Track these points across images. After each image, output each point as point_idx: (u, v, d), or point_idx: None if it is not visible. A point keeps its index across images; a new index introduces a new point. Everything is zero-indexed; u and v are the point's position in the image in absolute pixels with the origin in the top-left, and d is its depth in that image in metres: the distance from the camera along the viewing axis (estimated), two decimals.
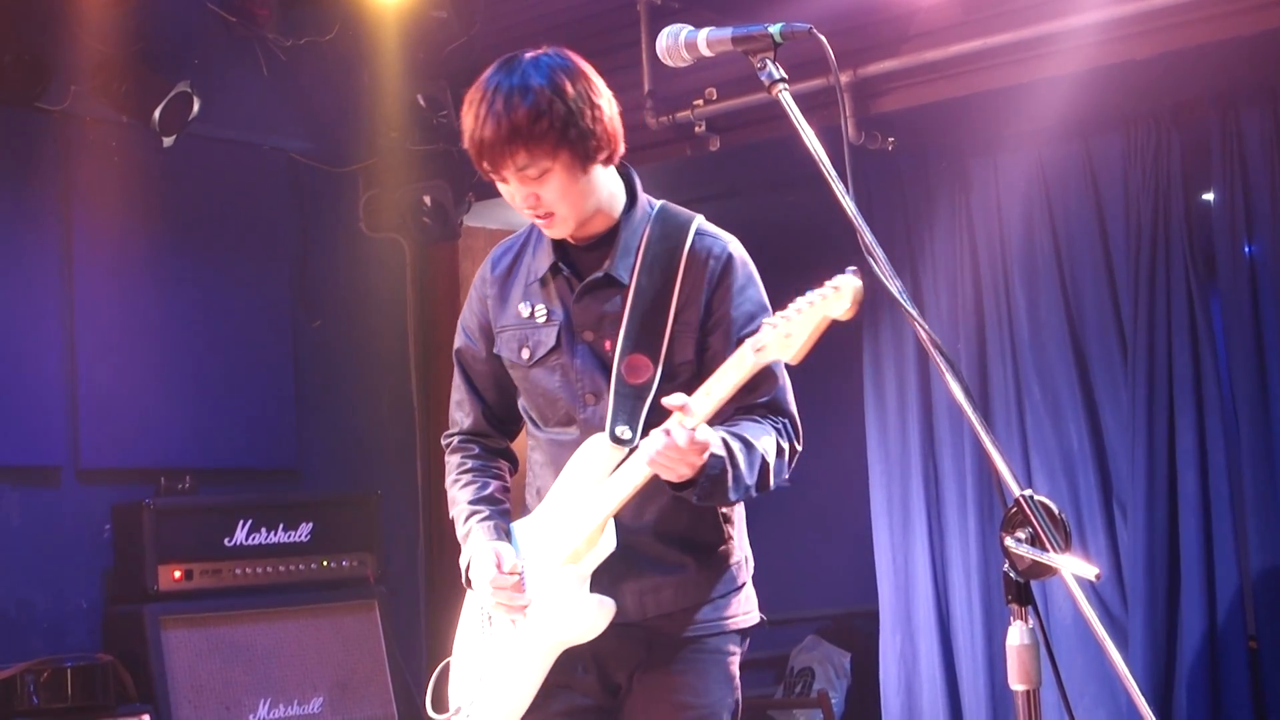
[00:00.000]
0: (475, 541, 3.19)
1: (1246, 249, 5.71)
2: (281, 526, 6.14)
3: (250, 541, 6.04)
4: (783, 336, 2.77)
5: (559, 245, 3.17)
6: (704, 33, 2.89)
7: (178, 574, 5.84)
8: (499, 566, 3.10)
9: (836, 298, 2.70)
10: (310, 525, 6.21)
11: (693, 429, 2.84)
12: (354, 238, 7.15)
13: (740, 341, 3.02)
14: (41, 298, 6.01)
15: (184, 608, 5.81)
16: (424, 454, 7.14)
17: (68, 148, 6.11)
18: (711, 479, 2.93)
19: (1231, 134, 5.69)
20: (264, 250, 6.77)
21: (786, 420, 3.16)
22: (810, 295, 2.75)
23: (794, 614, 8.39)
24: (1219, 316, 5.83)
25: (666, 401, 2.87)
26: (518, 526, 3.24)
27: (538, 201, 3.04)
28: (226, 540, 6.00)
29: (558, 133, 2.97)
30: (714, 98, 6.03)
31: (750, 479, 3.01)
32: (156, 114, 5.99)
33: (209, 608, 5.86)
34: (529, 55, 3.05)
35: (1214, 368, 5.72)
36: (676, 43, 2.93)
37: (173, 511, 5.92)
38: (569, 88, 3.00)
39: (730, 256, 3.16)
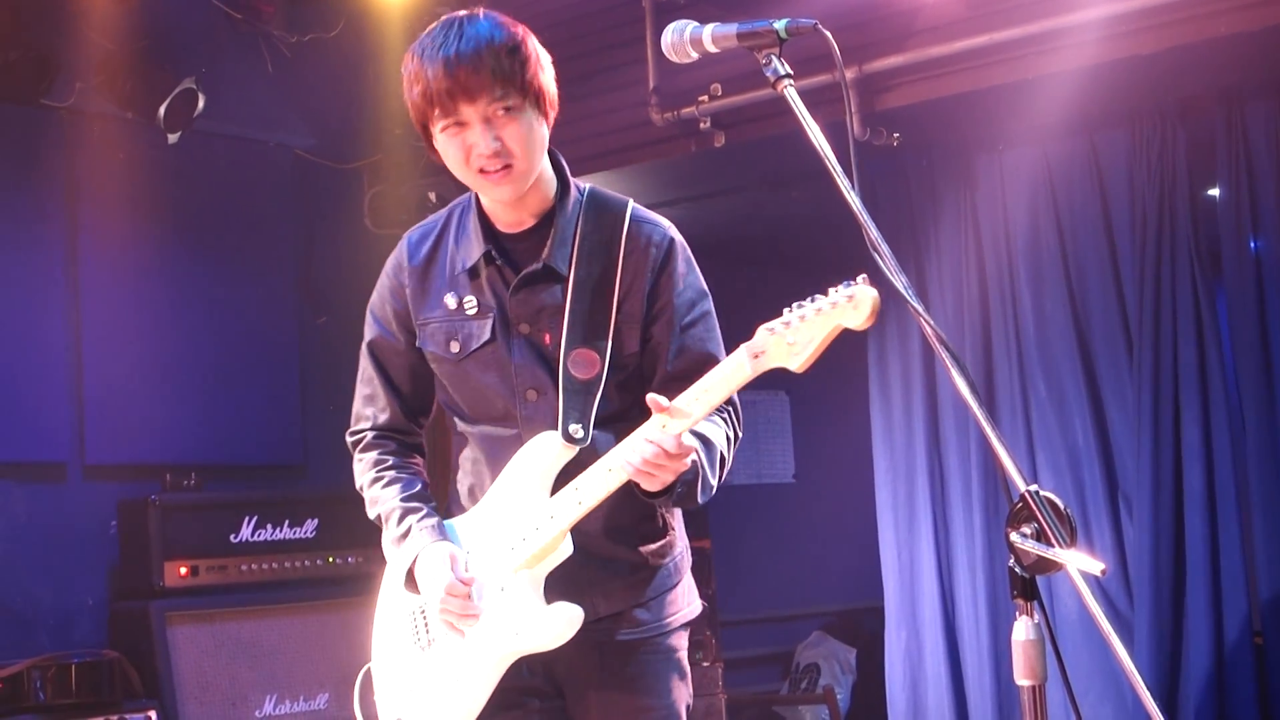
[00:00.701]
0: (419, 542, 3.02)
1: (1252, 245, 5.71)
2: (287, 523, 6.14)
3: (256, 538, 6.05)
4: (785, 344, 2.65)
5: (489, 233, 3.04)
6: (709, 28, 2.88)
7: (183, 570, 5.85)
8: (453, 570, 2.96)
9: (851, 308, 2.57)
10: (316, 521, 6.21)
11: (678, 435, 2.74)
12: (359, 234, 7.14)
13: (685, 329, 3.00)
14: (47, 294, 6.02)
15: (190, 604, 5.81)
16: (428, 449, 7.13)
17: (73, 144, 6.12)
18: (687, 484, 2.85)
19: (1237, 129, 5.69)
20: (269, 247, 6.77)
21: (730, 409, 3.06)
22: (820, 302, 2.63)
23: (799, 610, 8.41)
24: (1224, 312, 5.83)
25: (652, 400, 2.75)
26: (456, 526, 3.09)
27: (501, 148, 2.88)
28: (232, 536, 6.00)
29: (530, 69, 2.91)
30: (719, 94, 6.02)
31: (714, 479, 2.93)
32: (162, 111, 6.00)
33: (215, 604, 5.86)
34: (467, 12, 2.99)
35: (1219, 363, 5.72)
36: (681, 39, 2.91)
37: (178, 508, 5.92)
38: (526, 35, 2.96)
39: (672, 241, 3.05)
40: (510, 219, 3.04)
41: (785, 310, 2.68)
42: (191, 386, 6.38)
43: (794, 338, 2.65)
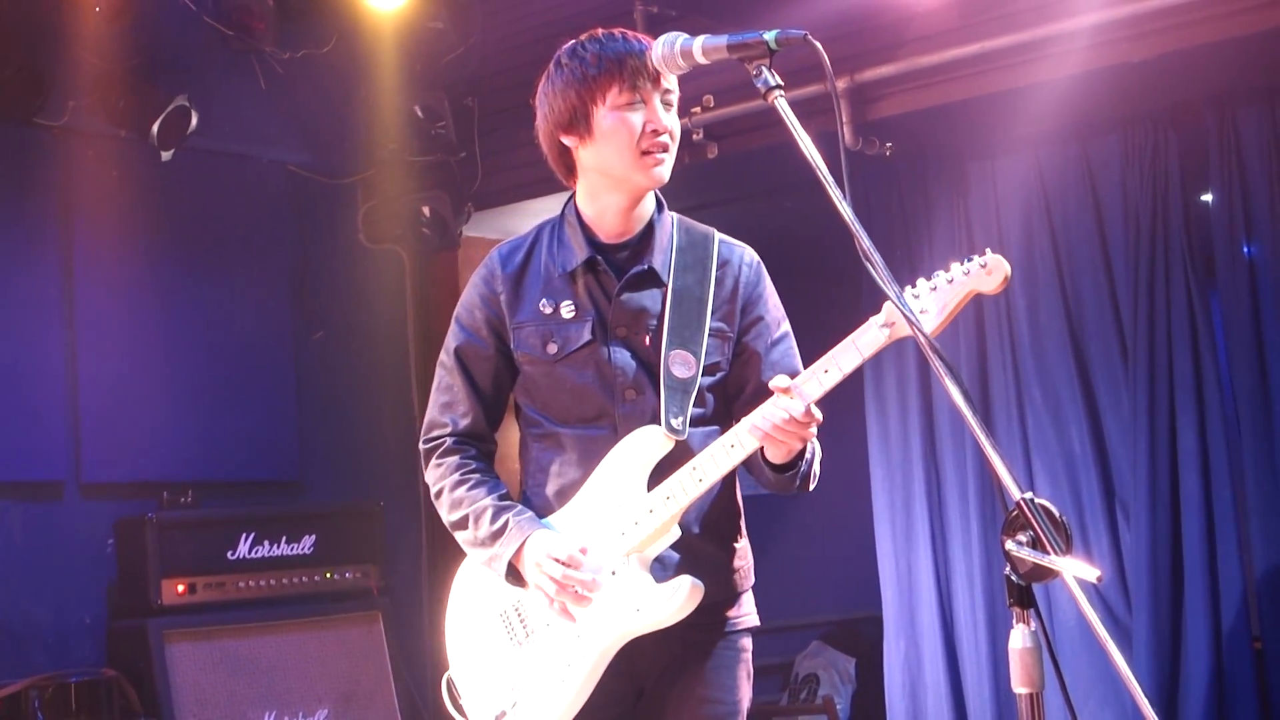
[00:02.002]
0: (522, 532, 3.11)
1: (1245, 250, 5.71)
2: (284, 539, 6.14)
3: (253, 554, 6.04)
4: (917, 313, 2.85)
5: (590, 243, 3.19)
6: (699, 40, 2.89)
7: (181, 588, 5.84)
8: (571, 548, 3.06)
9: (985, 274, 2.86)
10: (313, 537, 6.21)
11: (807, 403, 2.94)
12: (353, 249, 7.16)
13: (775, 345, 3.20)
14: (42, 313, 6.02)
15: (187, 621, 5.81)
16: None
17: (67, 163, 6.12)
18: (809, 462, 3.11)
19: (1229, 135, 5.69)
20: (264, 263, 6.78)
21: None
22: (953, 272, 2.89)
23: (798, 620, 8.39)
24: (1219, 317, 5.83)
25: (774, 383, 2.93)
26: (552, 522, 3.18)
27: (669, 129, 3.11)
28: (229, 553, 6.00)
29: None
30: (711, 105, 6.03)
31: (818, 466, 3.18)
32: (155, 128, 6.01)
33: (212, 621, 5.86)
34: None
35: (1214, 368, 5.72)
36: (672, 51, 2.93)
37: (175, 525, 5.92)
38: None
39: (760, 264, 3.28)
40: (615, 229, 3.20)
41: (908, 288, 2.90)
42: (187, 403, 6.38)
43: (925, 305, 2.90)
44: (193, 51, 6.29)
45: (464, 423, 3.29)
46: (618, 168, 3.12)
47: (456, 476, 3.26)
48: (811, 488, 3.18)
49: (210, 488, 6.32)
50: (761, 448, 3.02)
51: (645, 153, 3.09)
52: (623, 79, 3.07)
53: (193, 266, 6.48)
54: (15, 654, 5.76)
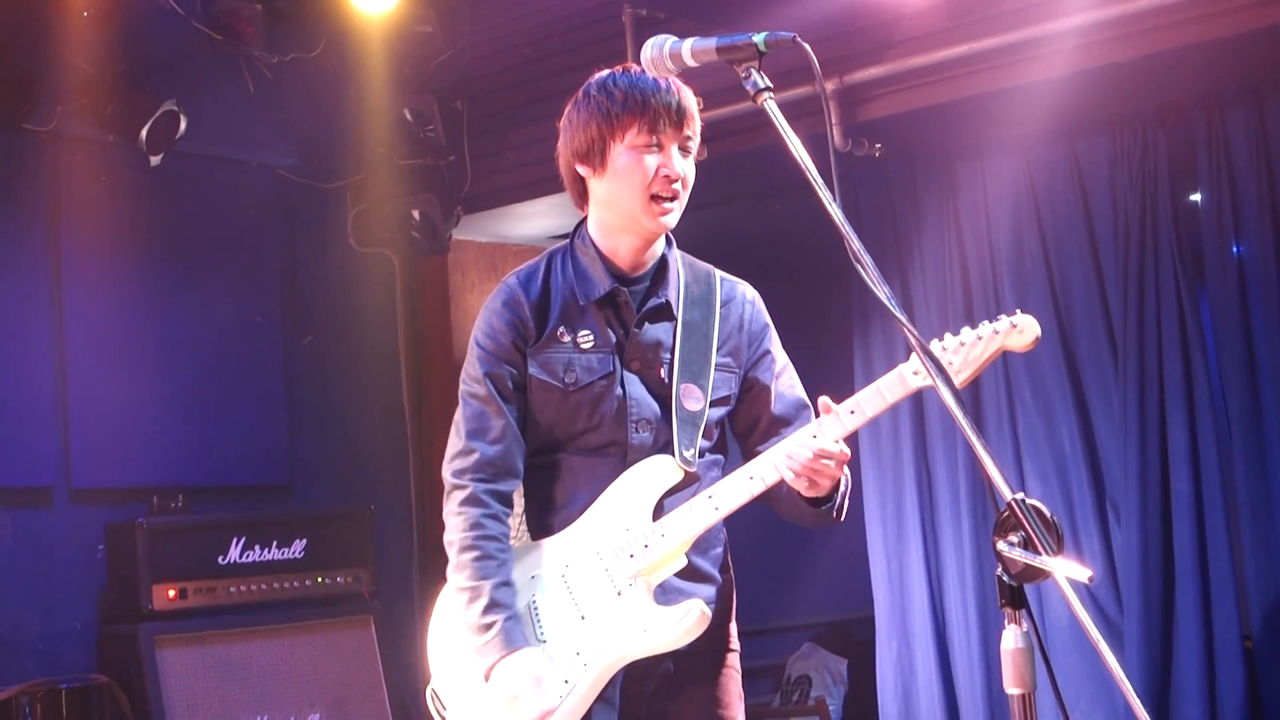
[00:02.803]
0: (501, 647, 3.09)
1: (1234, 249, 5.72)
2: (275, 543, 6.12)
3: (244, 559, 6.03)
4: (944, 365, 2.93)
5: (612, 274, 3.21)
6: (688, 43, 2.89)
7: (172, 593, 5.83)
8: (540, 684, 3.05)
9: (1017, 333, 2.98)
10: (304, 541, 6.19)
11: (837, 439, 3.03)
12: (343, 253, 7.15)
13: (779, 377, 3.27)
14: (31, 318, 6.01)
15: (179, 627, 5.79)
16: (417, 467, 7.14)
17: (55, 168, 6.11)
18: (843, 495, 3.18)
19: (1217, 135, 5.70)
20: (253, 267, 6.77)
21: None
22: (983, 329, 2.99)
23: (790, 622, 8.39)
24: (1208, 316, 5.84)
25: (824, 402, 3.06)
26: (554, 543, 3.20)
27: (684, 176, 3.14)
28: (220, 558, 5.98)
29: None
30: (701, 107, 6.02)
31: (847, 500, 3.24)
32: (143, 133, 5.99)
33: (204, 626, 5.84)
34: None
35: (1204, 367, 5.73)
36: (661, 53, 2.93)
37: (166, 530, 5.90)
38: None
39: (759, 300, 3.34)
40: (632, 261, 3.23)
41: (936, 341, 3.01)
42: (177, 408, 6.37)
43: (954, 359, 3.01)
44: (181, 56, 6.29)
45: (493, 450, 3.19)
46: (626, 206, 3.15)
47: (472, 535, 3.16)
48: (842, 519, 3.24)
49: (201, 492, 6.30)
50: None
51: (655, 197, 3.12)
52: (644, 119, 3.09)
53: (182, 271, 6.47)
54: (6, 660, 5.75)
